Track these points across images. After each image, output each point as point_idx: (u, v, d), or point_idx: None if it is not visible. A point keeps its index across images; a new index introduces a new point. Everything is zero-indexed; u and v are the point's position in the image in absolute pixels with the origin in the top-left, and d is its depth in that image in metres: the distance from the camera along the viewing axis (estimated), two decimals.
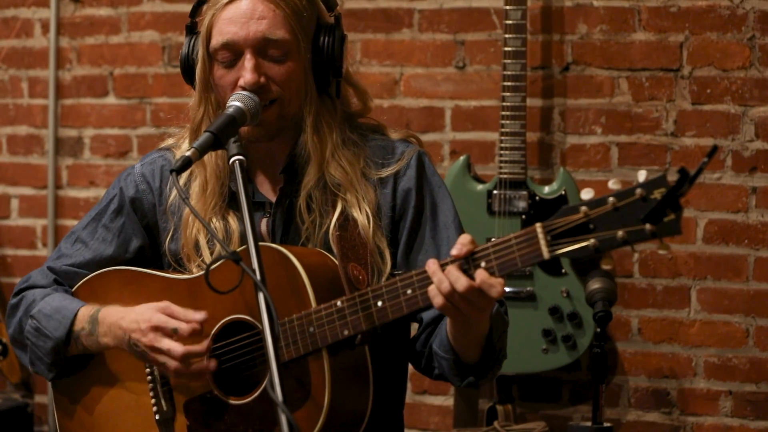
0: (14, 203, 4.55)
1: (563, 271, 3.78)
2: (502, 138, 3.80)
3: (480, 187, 3.86)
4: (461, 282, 2.18)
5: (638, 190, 2.05)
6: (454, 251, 2.21)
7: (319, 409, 2.29)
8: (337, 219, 2.47)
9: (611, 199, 2.06)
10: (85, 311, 2.51)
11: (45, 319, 2.52)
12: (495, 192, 3.83)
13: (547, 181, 3.93)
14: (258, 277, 2.15)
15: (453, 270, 2.20)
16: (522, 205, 3.81)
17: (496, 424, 3.85)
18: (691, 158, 3.87)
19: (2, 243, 4.55)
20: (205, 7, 2.51)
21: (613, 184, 2.10)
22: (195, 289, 2.45)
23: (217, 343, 2.42)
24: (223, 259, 2.22)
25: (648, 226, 2.04)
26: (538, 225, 2.11)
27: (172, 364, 2.38)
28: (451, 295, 2.20)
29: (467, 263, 2.20)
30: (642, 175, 2.07)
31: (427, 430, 4.13)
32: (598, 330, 3.42)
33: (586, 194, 2.11)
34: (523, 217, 3.81)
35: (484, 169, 3.99)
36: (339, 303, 2.30)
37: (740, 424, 3.87)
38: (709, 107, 3.86)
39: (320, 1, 2.53)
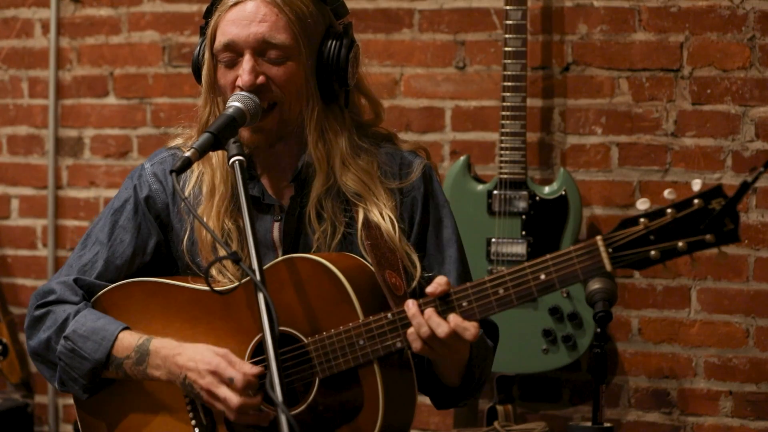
0: (14, 203, 4.55)
1: None
2: (502, 138, 3.80)
3: (480, 187, 3.86)
4: (442, 328, 2.25)
5: (696, 201, 2.09)
6: (429, 289, 2.27)
7: (372, 422, 2.30)
8: (362, 227, 2.46)
9: (669, 210, 2.10)
10: (129, 338, 2.45)
11: (81, 340, 2.45)
12: (495, 192, 3.82)
13: (548, 182, 3.92)
14: (258, 277, 2.15)
15: (433, 315, 2.26)
16: (522, 205, 3.81)
17: (496, 424, 3.85)
18: (691, 158, 3.87)
19: (2, 243, 4.55)
20: (214, 8, 2.51)
21: (668, 194, 2.12)
22: (229, 302, 2.41)
23: (257, 356, 2.38)
24: (223, 259, 2.21)
25: (708, 237, 2.10)
26: (598, 238, 2.15)
27: (228, 412, 2.33)
28: (431, 340, 2.26)
29: (444, 304, 2.26)
30: (697, 185, 2.10)
31: (427, 430, 4.13)
32: (599, 330, 3.41)
33: (642, 204, 2.14)
34: (524, 217, 3.81)
35: (484, 170, 3.99)
36: (390, 315, 2.30)
37: (740, 425, 3.86)
38: (709, 107, 3.86)
39: (330, 11, 2.52)
